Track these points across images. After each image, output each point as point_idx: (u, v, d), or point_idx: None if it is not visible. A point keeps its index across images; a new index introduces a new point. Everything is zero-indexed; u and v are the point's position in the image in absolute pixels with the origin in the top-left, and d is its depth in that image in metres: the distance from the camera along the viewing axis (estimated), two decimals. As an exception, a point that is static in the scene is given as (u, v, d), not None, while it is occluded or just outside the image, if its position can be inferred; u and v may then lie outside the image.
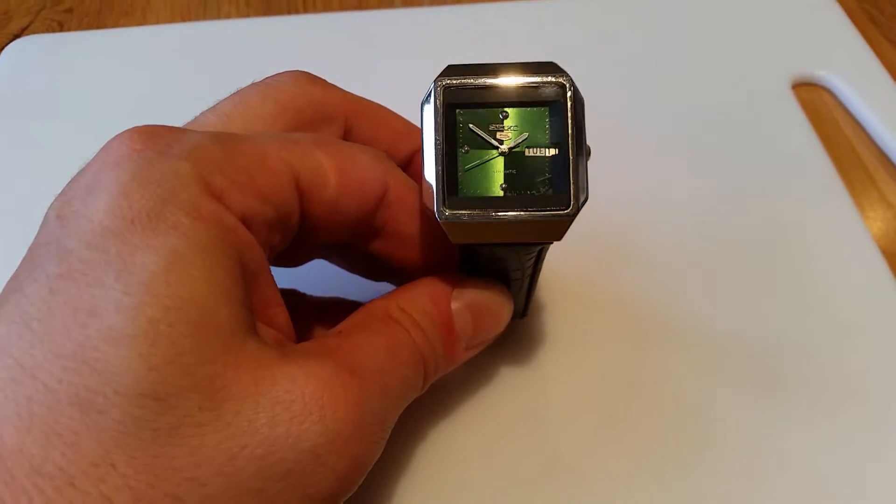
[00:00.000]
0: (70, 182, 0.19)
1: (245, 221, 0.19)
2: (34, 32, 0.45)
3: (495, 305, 0.24)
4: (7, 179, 0.36)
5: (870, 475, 0.26)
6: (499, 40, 0.42)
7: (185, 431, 0.16)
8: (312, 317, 0.25)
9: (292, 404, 0.17)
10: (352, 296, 0.26)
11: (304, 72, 0.24)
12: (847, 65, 0.40)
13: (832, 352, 0.29)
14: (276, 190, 0.20)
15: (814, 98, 0.40)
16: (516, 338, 0.29)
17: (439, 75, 0.20)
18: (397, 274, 0.25)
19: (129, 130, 0.19)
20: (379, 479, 0.26)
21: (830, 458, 0.27)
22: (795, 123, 0.37)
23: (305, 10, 0.46)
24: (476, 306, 0.23)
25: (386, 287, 0.25)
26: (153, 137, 0.19)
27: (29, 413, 0.16)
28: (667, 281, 0.31)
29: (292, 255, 0.25)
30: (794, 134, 0.37)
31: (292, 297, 0.26)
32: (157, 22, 0.46)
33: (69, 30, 0.46)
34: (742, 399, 0.28)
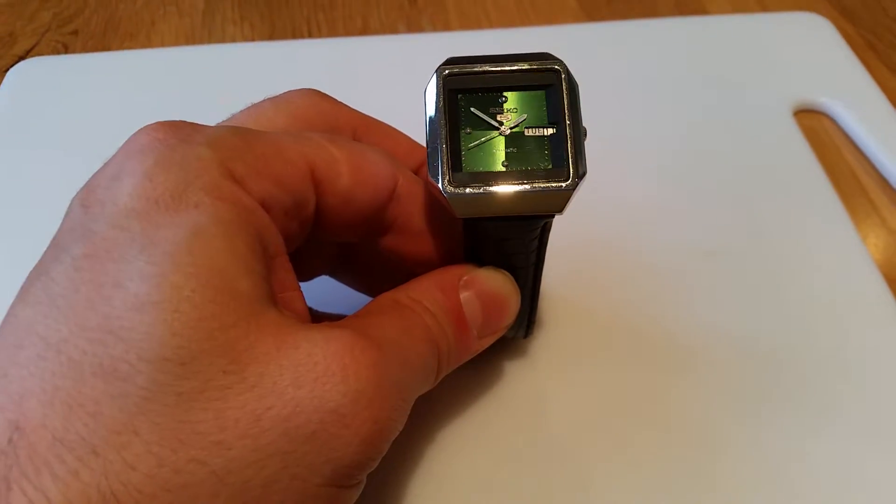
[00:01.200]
0: (95, 174, 0.20)
1: (264, 206, 0.20)
2: (39, 54, 0.45)
3: (504, 293, 0.24)
4: (12, 199, 0.36)
5: (873, 484, 0.26)
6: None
7: (210, 395, 0.16)
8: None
9: (315, 366, 0.17)
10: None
11: (315, 89, 0.25)
12: (848, 92, 0.41)
13: (833, 367, 0.29)
14: (293, 178, 0.20)
15: (815, 125, 0.40)
16: (518, 352, 0.30)
17: (441, 64, 0.22)
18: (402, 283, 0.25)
19: (152, 123, 0.20)
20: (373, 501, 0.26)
21: (832, 466, 0.27)
22: (797, 150, 0.38)
23: (310, 35, 0.47)
24: (485, 294, 0.24)
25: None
26: (175, 128, 0.20)
27: (53, 387, 0.16)
28: (669, 299, 0.32)
29: (301, 267, 0.25)
30: (796, 160, 0.37)
31: None
32: (162, 45, 0.46)
33: (74, 52, 0.46)
34: (745, 411, 0.28)
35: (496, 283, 0.24)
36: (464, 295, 0.23)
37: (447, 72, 0.21)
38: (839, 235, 0.34)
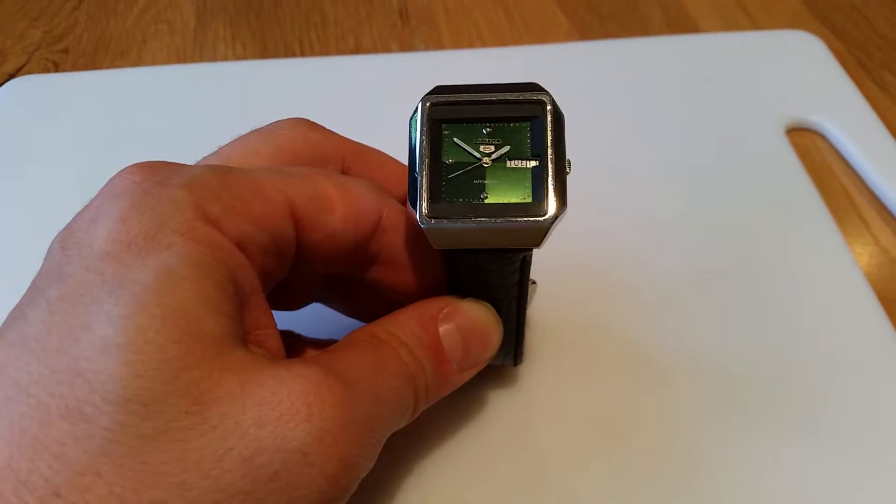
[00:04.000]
0: (75, 216, 0.20)
1: (240, 246, 0.20)
2: (29, 72, 0.45)
3: (484, 325, 0.24)
4: (2, 218, 0.36)
5: (858, 498, 0.26)
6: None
7: (172, 436, 0.16)
8: (306, 354, 0.25)
9: (279, 404, 0.17)
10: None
11: (303, 118, 0.25)
12: (839, 110, 0.41)
13: (825, 385, 0.29)
14: (271, 217, 0.21)
15: (807, 143, 0.40)
16: (505, 379, 0.29)
17: (427, 94, 0.22)
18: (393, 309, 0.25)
19: (131, 166, 0.20)
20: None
21: (817, 482, 0.26)
22: (790, 168, 0.38)
23: (302, 54, 0.47)
24: (465, 327, 0.24)
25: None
26: (153, 170, 0.20)
27: (20, 428, 0.16)
28: (661, 320, 0.31)
29: (291, 296, 0.25)
30: (788, 178, 0.37)
31: (288, 338, 0.26)
32: (153, 63, 0.46)
33: (64, 70, 0.46)
34: (733, 427, 0.28)
35: (477, 315, 0.24)
36: (444, 328, 0.23)
37: (431, 101, 0.21)
38: (831, 253, 0.34)
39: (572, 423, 0.28)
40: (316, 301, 0.27)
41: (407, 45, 0.47)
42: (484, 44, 0.47)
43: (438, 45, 0.47)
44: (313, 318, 0.27)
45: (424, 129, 0.21)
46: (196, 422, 0.17)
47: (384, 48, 0.47)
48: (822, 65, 0.44)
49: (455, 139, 0.21)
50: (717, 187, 0.37)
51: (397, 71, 0.43)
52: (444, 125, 0.21)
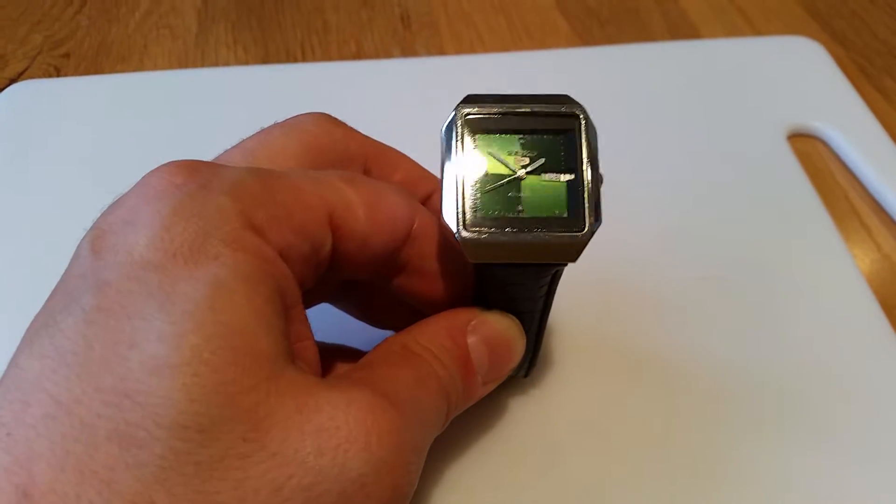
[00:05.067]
0: (104, 214, 0.19)
1: (283, 256, 0.19)
2: (31, 77, 0.45)
3: (510, 338, 0.24)
4: (5, 223, 0.36)
5: (861, 500, 0.26)
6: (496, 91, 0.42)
7: (230, 464, 0.16)
8: (337, 367, 0.24)
9: (338, 431, 0.17)
10: (353, 343, 0.26)
11: (326, 114, 0.24)
12: (840, 116, 0.41)
13: (828, 390, 0.29)
14: (312, 225, 0.20)
15: (809, 149, 0.40)
16: (522, 389, 0.29)
17: (459, 103, 0.21)
18: (403, 318, 0.25)
19: (168, 164, 0.19)
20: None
21: (820, 485, 0.26)
22: (791, 174, 0.38)
23: (304, 59, 0.47)
24: (491, 340, 0.23)
25: (386, 333, 0.25)
26: (193, 172, 0.19)
27: (63, 450, 0.15)
28: (666, 327, 0.31)
29: (306, 299, 0.25)
30: (790, 184, 0.37)
31: None
32: (155, 68, 0.46)
33: (66, 75, 0.46)
34: (743, 432, 0.28)
35: (503, 328, 0.24)
36: (471, 340, 0.23)
37: (466, 111, 0.21)
38: (833, 259, 0.34)
39: (587, 428, 0.28)
40: (325, 302, 0.27)
41: (408, 51, 0.47)
42: (485, 49, 0.47)
43: (440, 51, 0.47)
44: (315, 318, 0.27)
45: (458, 139, 0.21)
46: (254, 449, 0.16)
47: (386, 53, 0.47)
48: (823, 70, 0.44)
49: (489, 151, 0.21)
50: (719, 193, 0.37)
51: (399, 76, 0.43)
52: (477, 135, 0.21)
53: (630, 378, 0.30)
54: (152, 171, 0.19)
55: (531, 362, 0.27)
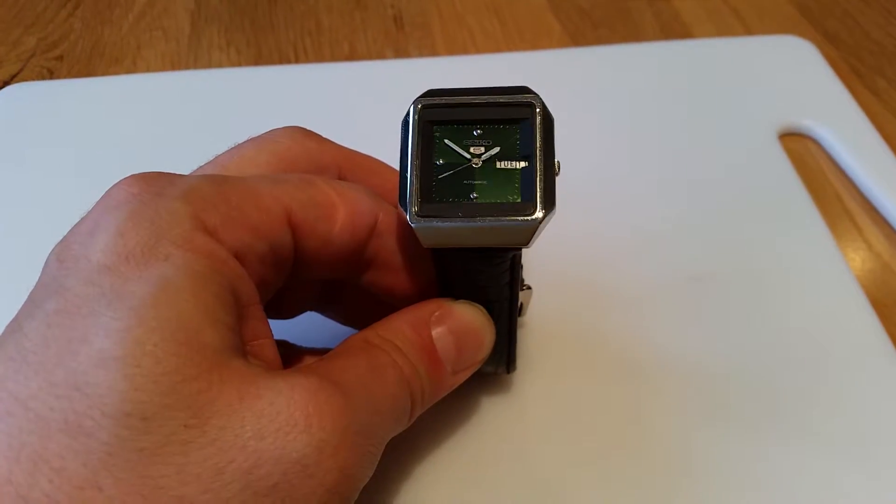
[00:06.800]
0: (72, 228, 0.20)
1: (238, 256, 0.20)
2: (24, 79, 0.45)
3: (476, 327, 0.24)
4: (-7, 227, 0.36)
5: (849, 500, 0.26)
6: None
7: (172, 449, 0.16)
8: (303, 364, 0.24)
9: (277, 415, 0.17)
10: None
11: (299, 127, 0.25)
12: (832, 115, 0.41)
13: (817, 389, 0.29)
14: (269, 225, 0.21)
15: (800, 148, 0.40)
16: (500, 386, 0.29)
17: (419, 96, 0.22)
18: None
19: (127, 177, 0.20)
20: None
21: (810, 485, 0.27)
22: (783, 173, 0.38)
23: (297, 60, 0.47)
24: (458, 329, 0.24)
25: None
26: (149, 182, 0.20)
27: (19, 443, 0.16)
28: (654, 326, 0.31)
29: (285, 305, 0.25)
30: (781, 183, 0.37)
31: (282, 347, 0.25)
32: (148, 70, 0.46)
33: (59, 77, 0.46)
34: (727, 431, 0.28)
35: (469, 316, 0.24)
36: (436, 331, 0.23)
37: (423, 103, 0.22)
38: (824, 258, 0.34)
39: (565, 427, 0.28)
40: (310, 310, 0.27)
41: (401, 52, 0.47)
42: (478, 50, 0.47)
43: (432, 52, 0.47)
44: (307, 327, 0.27)
45: (416, 130, 0.21)
46: (195, 435, 0.17)
47: (379, 55, 0.47)
48: (814, 70, 0.44)
49: (446, 140, 0.22)
50: (710, 192, 0.37)
51: (392, 77, 0.43)
52: (435, 126, 0.22)
53: (613, 376, 0.30)
54: (114, 185, 0.20)
55: (510, 357, 0.27)
